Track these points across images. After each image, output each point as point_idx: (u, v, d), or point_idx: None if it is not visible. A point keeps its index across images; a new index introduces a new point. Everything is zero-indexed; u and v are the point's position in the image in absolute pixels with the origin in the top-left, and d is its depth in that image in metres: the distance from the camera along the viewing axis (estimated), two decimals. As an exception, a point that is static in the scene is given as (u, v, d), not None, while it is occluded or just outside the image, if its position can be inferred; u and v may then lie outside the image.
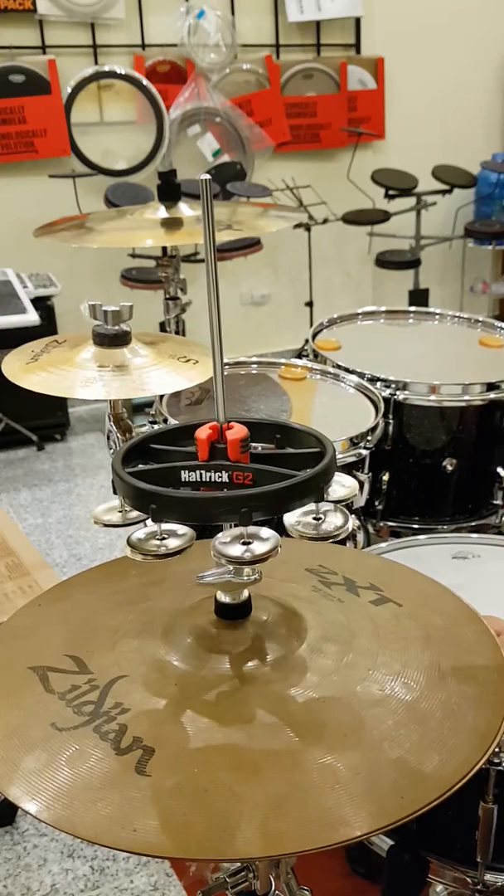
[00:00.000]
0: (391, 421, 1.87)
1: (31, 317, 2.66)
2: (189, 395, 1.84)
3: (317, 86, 4.13)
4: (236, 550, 0.75)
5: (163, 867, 1.75)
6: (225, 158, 3.99)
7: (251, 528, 0.77)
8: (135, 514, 0.84)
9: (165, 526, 0.79)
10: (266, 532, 0.77)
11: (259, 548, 0.76)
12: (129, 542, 0.79)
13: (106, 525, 0.86)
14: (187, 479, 0.82)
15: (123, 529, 0.84)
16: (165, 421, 1.72)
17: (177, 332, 2.46)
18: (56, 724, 0.77)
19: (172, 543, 0.78)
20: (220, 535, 0.77)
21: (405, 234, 4.20)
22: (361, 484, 1.73)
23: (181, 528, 0.79)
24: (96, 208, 3.32)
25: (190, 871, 1.72)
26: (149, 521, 0.80)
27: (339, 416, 1.81)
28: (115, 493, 0.84)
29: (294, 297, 4.33)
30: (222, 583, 0.83)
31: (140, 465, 0.85)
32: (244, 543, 0.76)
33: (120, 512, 0.86)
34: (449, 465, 1.90)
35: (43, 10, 3.56)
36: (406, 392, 1.87)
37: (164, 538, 0.79)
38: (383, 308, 2.37)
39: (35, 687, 0.82)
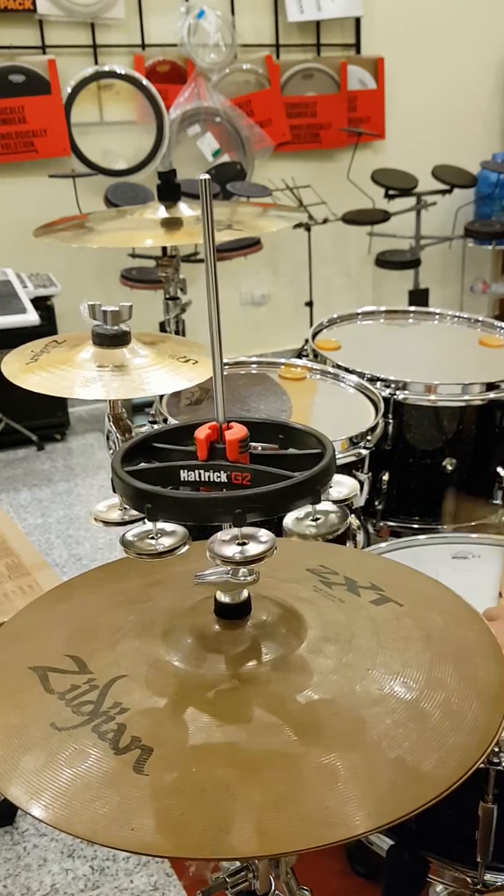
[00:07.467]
0: (391, 421, 1.87)
1: (31, 317, 2.66)
2: (189, 395, 1.83)
3: (317, 86, 4.13)
4: (230, 551, 0.75)
5: (163, 867, 1.75)
6: (225, 158, 3.99)
7: (248, 529, 0.76)
8: (134, 511, 0.84)
9: (159, 525, 0.79)
10: (262, 533, 0.77)
11: (253, 549, 0.75)
12: (122, 542, 0.79)
13: (105, 523, 0.86)
14: (187, 479, 0.82)
15: (123, 529, 0.84)
16: (165, 421, 1.72)
17: (177, 332, 2.46)
18: (55, 723, 0.77)
19: (166, 542, 0.78)
20: (216, 535, 0.77)
21: (405, 234, 4.20)
22: (361, 484, 1.73)
23: (174, 528, 0.79)
24: (96, 208, 3.32)
25: (190, 870, 1.72)
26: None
27: (338, 415, 1.81)
28: (114, 492, 0.84)
29: (294, 297, 4.33)
30: (221, 583, 0.83)
31: (142, 464, 0.85)
32: (239, 544, 0.76)
33: (120, 510, 0.86)
34: (449, 465, 1.90)
35: (43, 10, 3.56)
36: (406, 392, 1.87)
37: (157, 537, 0.79)
38: (383, 308, 2.36)
39: (35, 687, 0.82)
